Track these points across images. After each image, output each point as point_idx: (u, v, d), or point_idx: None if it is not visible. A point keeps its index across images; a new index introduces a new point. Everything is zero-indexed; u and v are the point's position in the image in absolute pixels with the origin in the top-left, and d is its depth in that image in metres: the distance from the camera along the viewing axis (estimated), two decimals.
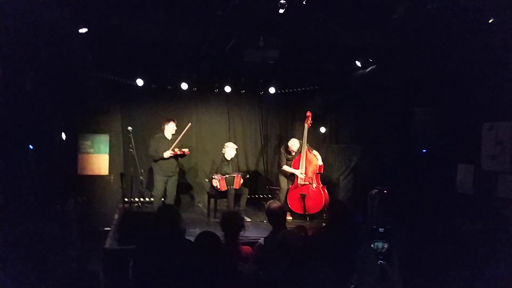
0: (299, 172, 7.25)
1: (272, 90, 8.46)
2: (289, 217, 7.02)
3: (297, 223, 6.43)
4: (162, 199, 7.03)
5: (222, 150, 7.46)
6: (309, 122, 7.43)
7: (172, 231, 3.47)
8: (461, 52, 5.09)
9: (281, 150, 7.55)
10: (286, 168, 7.40)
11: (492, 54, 4.85)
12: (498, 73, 4.91)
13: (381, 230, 3.24)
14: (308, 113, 7.46)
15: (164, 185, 6.95)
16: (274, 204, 4.11)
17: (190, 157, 8.54)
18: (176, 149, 6.85)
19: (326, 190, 7.27)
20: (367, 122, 7.47)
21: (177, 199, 7.69)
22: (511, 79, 4.77)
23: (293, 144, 7.33)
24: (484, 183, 5.04)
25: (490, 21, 4.41)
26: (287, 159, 7.44)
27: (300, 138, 7.48)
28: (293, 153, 7.39)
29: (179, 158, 7.13)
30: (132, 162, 7.22)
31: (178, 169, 7.15)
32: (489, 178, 4.94)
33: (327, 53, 6.70)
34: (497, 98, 4.95)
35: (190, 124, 7.22)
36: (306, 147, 7.35)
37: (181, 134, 6.98)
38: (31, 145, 5.84)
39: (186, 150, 6.95)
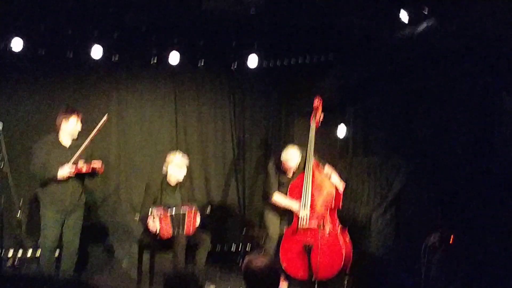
0: (301, 207, 7.20)
1: (252, 61, 8.48)
2: (283, 283, 6.98)
3: None
4: (56, 252, 6.92)
5: (163, 166, 7.38)
6: (318, 117, 7.43)
7: None
8: None
9: (269, 167, 7.54)
10: (277, 199, 7.36)
11: None
12: None
13: None
14: (317, 102, 7.46)
15: (58, 228, 6.83)
16: (258, 261, 4.01)
17: (106, 178, 8.45)
18: (81, 162, 6.72)
19: (348, 237, 7.24)
20: (421, 120, 7.57)
21: (82, 254, 7.53)
22: None
23: (291, 156, 7.30)
24: None
25: None
26: (280, 184, 7.42)
27: (302, 146, 7.45)
28: (290, 173, 7.36)
29: (86, 179, 7.04)
30: (3, 185, 7.02)
31: (84, 198, 7.05)
32: None
33: None
34: None
35: (106, 115, 7.12)
36: (313, 160, 7.32)
37: (90, 136, 6.87)
38: None
39: (97, 163, 6.83)
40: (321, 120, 7.46)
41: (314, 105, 7.46)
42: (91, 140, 6.89)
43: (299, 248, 7.10)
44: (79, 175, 6.78)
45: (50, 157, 6.73)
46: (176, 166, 7.26)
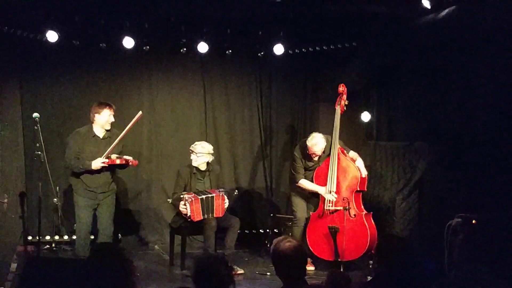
0: (327, 191, 7.25)
1: (278, 49, 8.46)
2: (310, 267, 7.00)
3: (323, 276, 6.38)
4: (92, 236, 7.03)
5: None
6: (342, 103, 7.44)
7: None
8: None
9: (295, 153, 7.57)
10: (304, 183, 7.41)
11: None
12: None
13: None
14: (342, 88, 7.48)
15: (91, 214, 6.97)
16: (286, 243, 4.01)
17: (138, 167, 8.50)
18: (114, 156, 6.82)
19: (372, 221, 7.26)
20: (443, 105, 7.47)
21: (116, 238, 7.68)
22: None
23: (316, 142, 7.31)
24: None
25: None
26: (306, 168, 7.46)
27: (326, 132, 7.48)
28: (316, 158, 7.39)
29: (117, 170, 7.16)
30: (41, 173, 7.12)
31: (115, 186, 7.15)
32: None
33: None
34: None
35: (140, 113, 7.20)
36: (339, 146, 7.35)
37: (123, 132, 6.92)
38: None
39: (130, 158, 6.94)
40: (345, 105, 7.48)
41: (338, 90, 7.48)
42: (124, 135, 6.95)
43: (326, 230, 7.16)
44: (111, 166, 6.87)
45: (84, 149, 6.82)
46: (198, 155, 7.35)
